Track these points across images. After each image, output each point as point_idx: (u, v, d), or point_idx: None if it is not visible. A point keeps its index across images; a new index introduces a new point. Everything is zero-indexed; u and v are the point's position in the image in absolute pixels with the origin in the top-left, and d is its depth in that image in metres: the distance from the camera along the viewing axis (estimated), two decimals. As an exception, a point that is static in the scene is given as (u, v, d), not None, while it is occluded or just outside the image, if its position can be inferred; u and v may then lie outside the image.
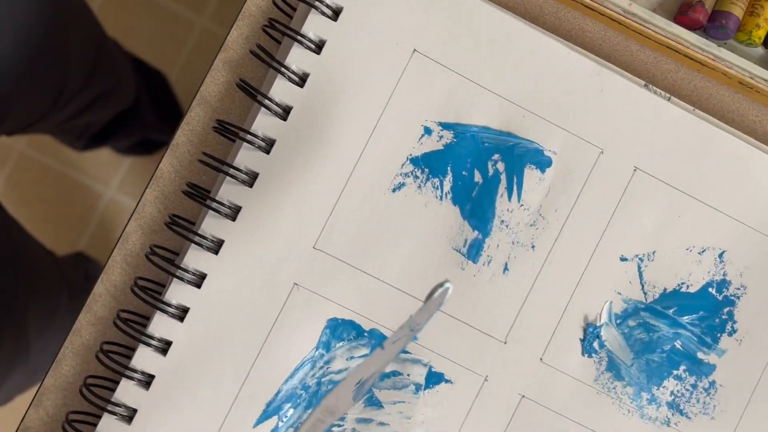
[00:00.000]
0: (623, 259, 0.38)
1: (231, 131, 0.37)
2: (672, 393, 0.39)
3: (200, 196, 0.37)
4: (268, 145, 0.37)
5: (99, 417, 0.36)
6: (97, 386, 0.37)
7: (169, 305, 0.36)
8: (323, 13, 0.36)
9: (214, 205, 0.36)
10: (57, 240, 1.16)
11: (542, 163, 0.38)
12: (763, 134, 0.42)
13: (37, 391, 0.39)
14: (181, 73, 1.14)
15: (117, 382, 0.37)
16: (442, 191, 0.38)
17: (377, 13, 0.37)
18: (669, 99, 0.39)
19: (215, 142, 0.39)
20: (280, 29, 0.36)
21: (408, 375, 0.38)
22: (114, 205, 1.16)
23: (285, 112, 0.37)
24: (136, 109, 0.87)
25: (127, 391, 0.36)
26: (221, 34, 1.11)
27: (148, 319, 0.37)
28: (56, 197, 1.14)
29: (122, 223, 1.16)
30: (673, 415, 0.39)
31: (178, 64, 1.15)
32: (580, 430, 0.38)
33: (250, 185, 0.36)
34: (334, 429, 0.37)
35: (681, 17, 0.40)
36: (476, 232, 0.38)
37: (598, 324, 0.38)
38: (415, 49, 0.37)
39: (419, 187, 0.38)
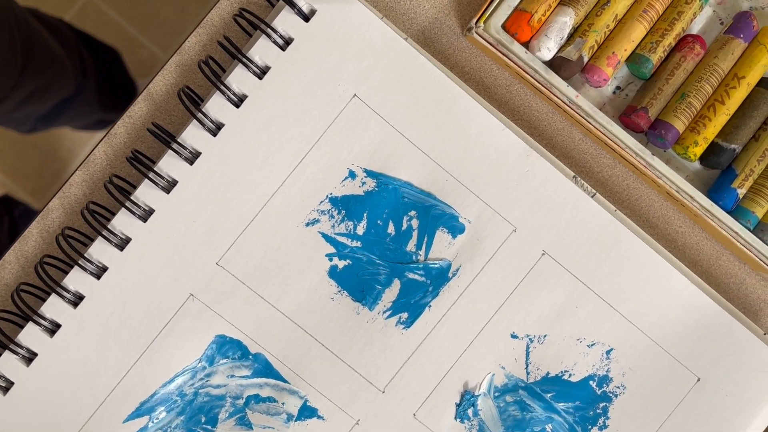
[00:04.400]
0: (514, 336, 0.39)
1: (161, 136, 0.37)
2: (533, 473, 0.40)
3: (120, 191, 0.37)
4: (193, 156, 0.37)
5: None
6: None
7: (67, 290, 0.37)
8: (274, 42, 0.37)
9: (128, 204, 0.37)
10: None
11: (455, 228, 0.39)
12: (682, 245, 0.43)
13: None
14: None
15: None
16: (353, 235, 0.39)
17: (325, 51, 0.37)
18: (593, 196, 0.40)
19: (150, 140, 0.40)
20: (229, 49, 0.37)
21: (282, 404, 0.39)
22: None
23: (216, 128, 0.37)
24: (78, 97, 0.86)
25: (7, 364, 0.37)
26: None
27: (43, 300, 0.38)
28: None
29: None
30: (529, 494, 0.40)
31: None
32: (438, 489, 0.39)
33: (168, 191, 0.37)
34: (201, 439, 0.38)
35: (625, 118, 0.41)
36: (378, 281, 0.39)
37: (476, 393, 0.39)
38: (355, 94, 0.38)
39: (332, 226, 0.39)
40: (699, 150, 0.40)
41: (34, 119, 0.83)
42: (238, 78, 0.37)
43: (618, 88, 0.42)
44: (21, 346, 0.37)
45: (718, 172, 0.42)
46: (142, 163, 0.37)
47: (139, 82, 1.07)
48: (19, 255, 0.40)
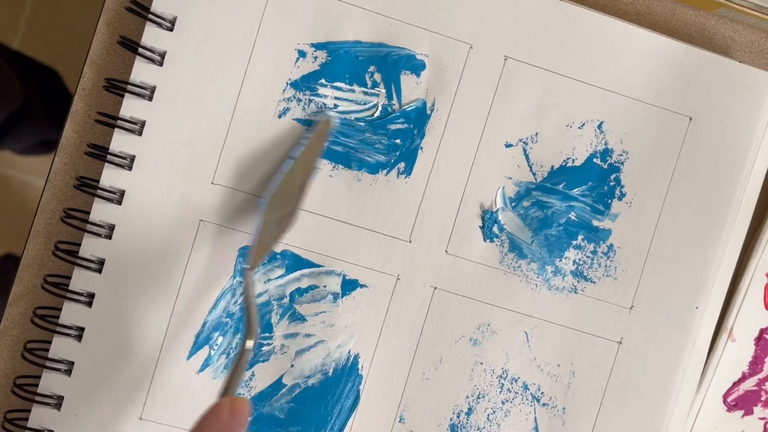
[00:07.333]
0: (508, 145, 0.41)
1: (116, 87, 0.38)
2: (574, 262, 0.41)
3: (97, 154, 0.38)
4: (150, 93, 0.38)
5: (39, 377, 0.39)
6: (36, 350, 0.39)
7: (89, 260, 0.38)
8: (180, -42, 0.38)
9: (110, 158, 0.38)
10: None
11: (416, 67, 0.40)
12: (635, 14, 0.43)
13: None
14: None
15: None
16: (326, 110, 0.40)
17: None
18: (528, -14, 0.40)
19: (109, 101, 0.41)
20: (142, -20, 0.38)
21: (324, 286, 0.40)
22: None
23: (161, 58, 0.38)
24: (26, 110, 0.87)
25: (61, 347, 0.38)
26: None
27: (68, 278, 0.39)
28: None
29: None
30: (578, 282, 0.41)
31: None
32: (494, 310, 0.41)
33: (140, 134, 0.38)
34: (263, 348, 0.40)
35: None
36: (365, 143, 0.40)
37: (494, 210, 0.41)
38: (275, -22, 0.39)
39: (303, 109, 0.39)
40: None
41: None
42: (161, 5, 0.38)
43: None
44: (68, 326, 0.38)
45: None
46: (108, 117, 0.38)
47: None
48: (32, 253, 0.41)
